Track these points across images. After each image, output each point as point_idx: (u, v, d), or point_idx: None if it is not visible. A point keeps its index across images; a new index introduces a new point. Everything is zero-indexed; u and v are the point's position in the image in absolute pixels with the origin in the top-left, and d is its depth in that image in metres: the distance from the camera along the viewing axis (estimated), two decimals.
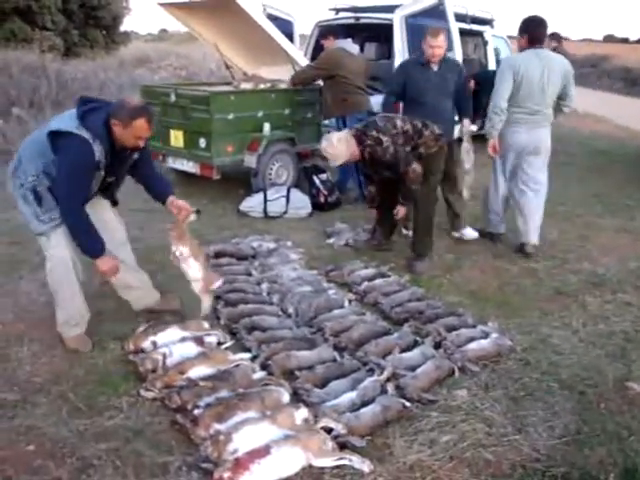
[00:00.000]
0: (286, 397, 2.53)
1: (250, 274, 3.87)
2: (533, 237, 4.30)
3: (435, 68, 4.37)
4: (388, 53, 6.76)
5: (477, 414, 2.49)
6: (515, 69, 4.00)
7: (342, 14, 7.26)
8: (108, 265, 2.88)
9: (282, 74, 5.95)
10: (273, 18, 7.20)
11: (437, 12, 6.10)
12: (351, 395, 2.52)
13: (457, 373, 2.77)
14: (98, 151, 2.68)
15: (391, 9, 6.24)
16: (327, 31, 5.63)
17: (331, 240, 4.57)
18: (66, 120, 2.69)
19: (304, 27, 7.66)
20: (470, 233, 4.71)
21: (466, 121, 4.56)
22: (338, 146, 3.84)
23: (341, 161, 3.92)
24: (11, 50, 10.58)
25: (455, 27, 6.13)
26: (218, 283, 3.22)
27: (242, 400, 2.44)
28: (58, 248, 2.81)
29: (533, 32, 4.07)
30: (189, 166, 5.41)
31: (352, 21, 6.82)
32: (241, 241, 4.41)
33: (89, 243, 2.79)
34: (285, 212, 5.17)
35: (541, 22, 4.12)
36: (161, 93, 5.36)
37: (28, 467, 2.17)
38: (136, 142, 2.78)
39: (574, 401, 2.61)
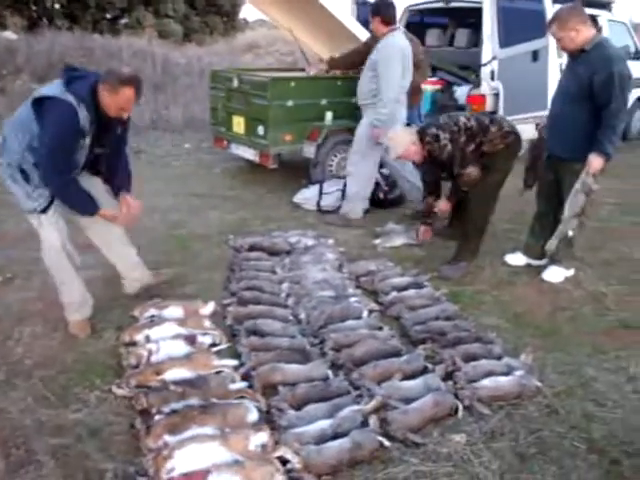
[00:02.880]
0: (253, 415, 2.28)
1: (275, 272, 3.65)
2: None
3: (571, 62, 3.41)
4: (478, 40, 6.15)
5: (467, 469, 2.08)
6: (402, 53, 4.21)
7: None
8: (112, 214, 2.91)
9: None
10: (362, 3, 6.89)
11: None
12: (323, 424, 2.21)
13: (460, 413, 2.35)
14: (83, 117, 2.59)
15: None
16: None
17: (377, 241, 4.22)
18: (52, 87, 2.63)
19: None
20: (553, 274, 3.65)
21: (591, 155, 3.19)
22: (401, 134, 3.70)
23: (400, 152, 3.67)
24: (124, 37, 11.18)
25: (551, 10, 5.40)
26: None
27: (202, 413, 2.23)
28: (48, 233, 2.78)
29: (386, 13, 4.23)
30: (250, 153, 5.29)
31: (441, 5, 6.28)
32: (280, 235, 4.19)
33: (81, 204, 2.80)
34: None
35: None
36: (226, 78, 5.27)
37: None
38: (119, 112, 2.69)
39: (601, 471, 2.09)
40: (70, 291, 2.95)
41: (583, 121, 3.28)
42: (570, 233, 3.31)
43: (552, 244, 3.41)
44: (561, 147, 3.44)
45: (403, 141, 3.64)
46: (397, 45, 4.24)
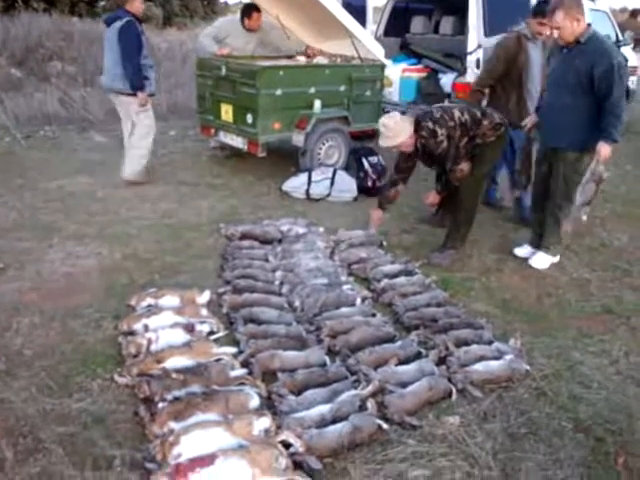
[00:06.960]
0: (255, 401, 2.34)
1: (268, 260, 3.70)
2: None
3: (565, 52, 3.43)
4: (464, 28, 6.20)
5: (462, 448, 2.17)
6: None
7: None
8: None
9: (346, 48, 5.64)
10: None
11: None
12: (323, 408, 2.29)
13: (454, 396, 2.45)
14: None
15: None
16: None
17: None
18: None
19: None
20: (540, 260, 3.77)
21: (600, 144, 3.29)
22: (400, 124, 3.51)
23: (396, 142, 3.54)
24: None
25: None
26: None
27: (206, 400, 2.29)
28: None
29: None
30: (238, 141, 5.29)
31: None
32: (271, 223, 4.24)
33: None
34: (328, 195, 4.94)
35: None
36: (213, 66, 5.25)
37: None
38: None
39: (587, 449, 2.20)
40: None
41: (581, 112, 3.37)
42: (584, 218, 3.42)
43: (567, 230, 3.58)
44: (558, 137, 3.51)
45: (403, 131, 3.52)
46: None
